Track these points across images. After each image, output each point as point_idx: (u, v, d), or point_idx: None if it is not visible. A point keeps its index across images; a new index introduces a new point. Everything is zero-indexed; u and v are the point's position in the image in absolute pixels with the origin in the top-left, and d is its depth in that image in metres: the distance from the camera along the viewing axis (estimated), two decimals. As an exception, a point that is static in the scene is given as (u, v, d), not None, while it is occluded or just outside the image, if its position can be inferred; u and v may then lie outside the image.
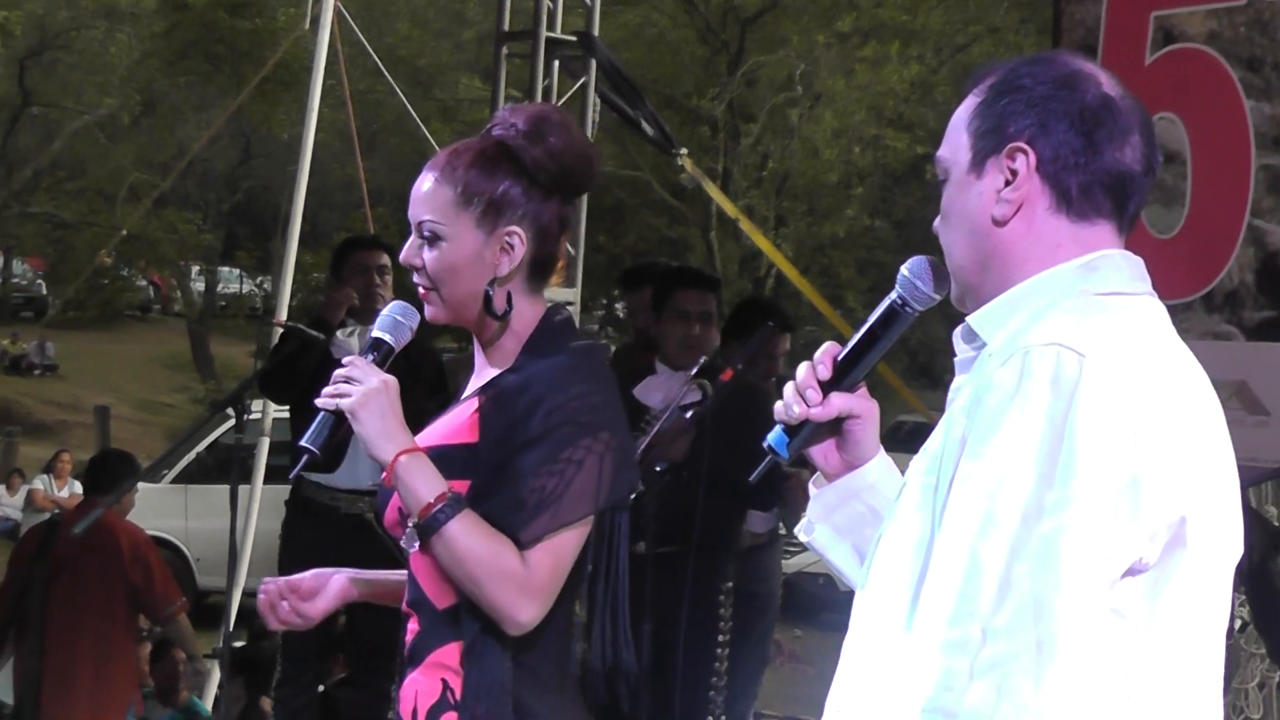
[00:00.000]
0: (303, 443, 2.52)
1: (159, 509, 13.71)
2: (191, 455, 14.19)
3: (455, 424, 2.57)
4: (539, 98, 7.62)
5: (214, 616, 11.08)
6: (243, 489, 6.25)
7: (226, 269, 34.73)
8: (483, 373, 2.64)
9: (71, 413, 26.55)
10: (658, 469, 4.84)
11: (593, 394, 2.52)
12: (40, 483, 15.69)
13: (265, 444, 8.42)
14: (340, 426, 2.53)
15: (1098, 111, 1.90)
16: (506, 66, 8.06)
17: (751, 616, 5.93)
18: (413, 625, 2.58)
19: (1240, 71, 4.75)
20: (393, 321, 2.62)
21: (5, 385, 27.85)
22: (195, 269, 32.69)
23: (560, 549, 2.46)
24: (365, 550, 5.78)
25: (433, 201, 2.57)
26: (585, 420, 2.48)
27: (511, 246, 2.57)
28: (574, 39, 7.68)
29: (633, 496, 2.52)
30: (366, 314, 5.96)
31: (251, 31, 24.49)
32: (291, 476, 2.68)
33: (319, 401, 2.53)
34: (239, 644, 8.04)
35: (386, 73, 11.18)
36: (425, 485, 2.46)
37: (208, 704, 8.14)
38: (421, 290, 2.61)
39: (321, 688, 6.92)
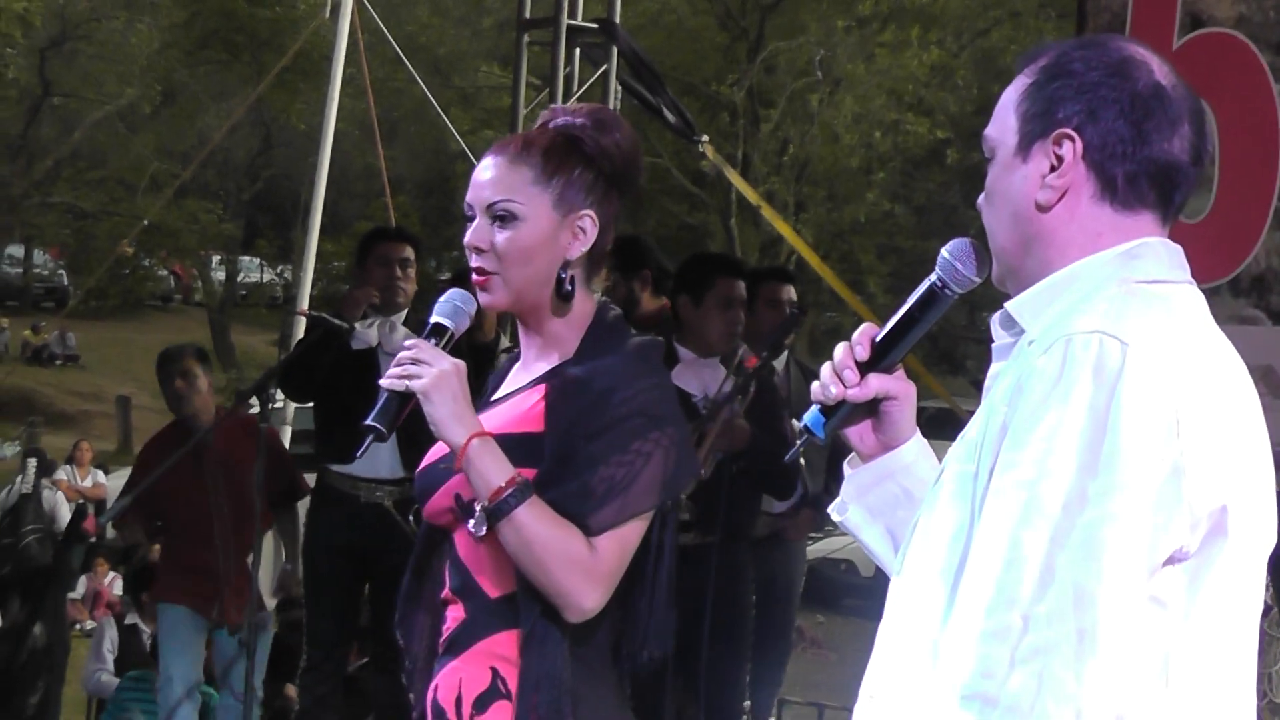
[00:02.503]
0: (368, 421, 2.49)
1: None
2: (214, 444, 14.19)
3: (518, 413, 2.56)
4: (560, 85, 7.60)
5: (238, 605, 11.13)
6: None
7: (247, 258, 34.83)
8: (533, 365, 2.63)
9: (93, 402, 26.67)
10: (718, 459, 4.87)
11: (659, 388, 2.54)
12: (64, 473, 15.75)
13: (288, 433, 8.44)
14: (405, 406, 2.51)
15: (1148, 101, 1.88)
16: (527, 54, 8.05)
17: (775, 603, 5.93)
18: (455, 613, 2.58)
19: (1269, 56, 4.71)
20: (453, 308, 2.60)
21: (27, 375, 27.93)
22: (216, 258, 32.79)
23: (626, 539, 2.47)
24: (386, 538, 5.83)
25: (509, 181, 2.57)
26: (654, 413, 2.49)
27: (584, 230, 2.59)
28: (595, 26, 7.66)
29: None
30: (388, 306, 5.98)
31: (271, 20, 24.57)
32: (358, 454, 2.64)
33: (385, 382, 2.50)
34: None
35: (406, 61, 11.19)
36: (496, 469, 2.45)
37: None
38: (481, 276, 2.58)
39: (350, 669, 6.94)
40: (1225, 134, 4.79)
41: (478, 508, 2.46)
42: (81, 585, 12.32)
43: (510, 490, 2.43)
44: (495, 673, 2.50)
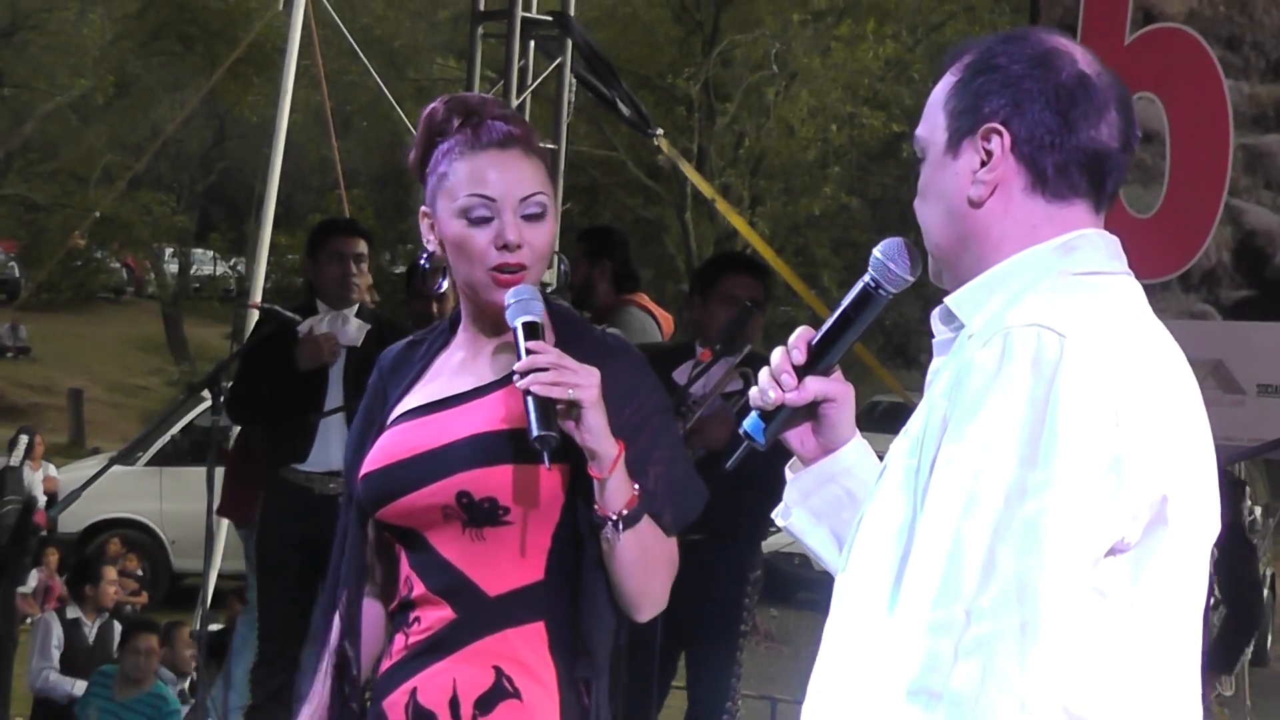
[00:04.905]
0: (546, 433, 2.34)
1: (134, 492, 13.68)
2: (166, 438, 14.14)
3: (519, 408, 2.43)
4: (514, 78, 7.58)
5: (190, 599, 11.08)
6: (218, 471, 6.19)
7: (200, 251, 34.59)
8: (494, 356, 2.56)
9: (44, 395, 26.47)
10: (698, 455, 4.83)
11: (660, 385, 2.59)
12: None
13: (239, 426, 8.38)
14: (554, 410, 2.37)
15: (1073, 90, 1.89)
16: (482, 47, 8.00)
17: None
18: (440, 614, 2.50)
19: (1219, 51, 4.75)
20: (527, 304, 2.46)
21: (-22, 368, 27.72)
22: (169, 251, 32.54)
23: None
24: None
25: (535, 176, 2.53)
26: (669, 409, 2.57)
27: (557, 224, 2.65)
28: (550, 19, 7.64)
29: None
30: (340, 301, 5.94)
31: (225, 11, 24.42)
32: (548, 468, 2.45)
33: (539, 389, 2.35)
34: (215, 626, 8.03)
35: (361, 54, 11.13)
36: (628, 478, 2.45)
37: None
38: (513, 274, 2.49)
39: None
40: (1176, 129, 4.82)
41: (613, 515, 2.42)
42: (33, 579, 12.20)
43: (640, 499, 2.44)
44: (499, 672, 2.46)
